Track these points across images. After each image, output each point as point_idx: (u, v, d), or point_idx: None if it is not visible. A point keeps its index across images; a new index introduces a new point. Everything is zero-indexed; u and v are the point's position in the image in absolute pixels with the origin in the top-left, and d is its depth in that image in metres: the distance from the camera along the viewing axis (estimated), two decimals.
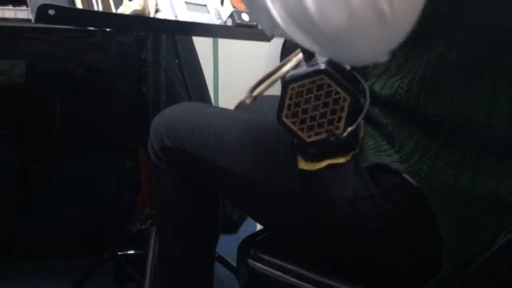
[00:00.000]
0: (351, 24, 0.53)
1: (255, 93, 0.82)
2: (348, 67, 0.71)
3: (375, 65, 0.71)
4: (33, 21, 0.99)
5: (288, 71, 0.80)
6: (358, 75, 0.71)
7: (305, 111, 0.72)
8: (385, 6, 0.52)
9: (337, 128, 0.70)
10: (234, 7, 1.23)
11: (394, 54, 0.67)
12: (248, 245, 0.83)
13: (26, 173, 1.64)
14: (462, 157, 0.64)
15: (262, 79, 0.83)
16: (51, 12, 0.98)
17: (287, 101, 0.72)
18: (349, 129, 0.69)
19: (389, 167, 0.67)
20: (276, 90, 0.77)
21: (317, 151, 0.73)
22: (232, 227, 1.82)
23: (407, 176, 0.66)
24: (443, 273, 0.67)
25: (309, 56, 0.72)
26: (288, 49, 2.20)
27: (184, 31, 1.36)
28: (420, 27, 0.62)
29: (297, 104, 0.72)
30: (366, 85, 0.70)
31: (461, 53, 0.61)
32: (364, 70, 0.73)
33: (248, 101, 0.81)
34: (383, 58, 0.60)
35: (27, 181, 1.63)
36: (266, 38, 1.32)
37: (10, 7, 1.28)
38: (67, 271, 1.52)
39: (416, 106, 0.65)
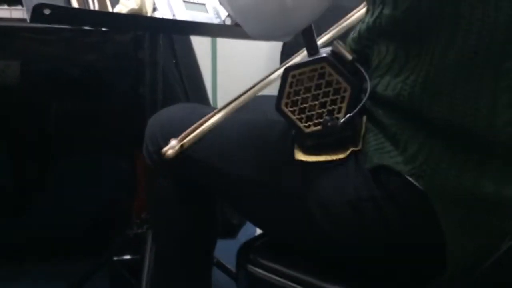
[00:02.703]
0: (256, 3, 0.67)
1: (185, 141, 0.76)
2: (349, 58, 0.71)
3: (377, 66, 0.71)
4: (28, 20, 0.99)
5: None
6: (361, 68, 0.71)
7: (304, 100, 0.72)
8: None
9: (337, 119, 0.70)
10: None
11: (395, 54, 0.67)
12: (248, 250, 0.83)
13: (21, 175, 1.63)
14: (465, 159, 0.64)
15: (194, 127, 0.78)
16: (47, 11, 0.97)
17: (287, 89, 0.72)
18: (348, 115, 0.68)
19: (392, 168, 0.66)
20: (276, 90, 0.75)
21: (315, 143, 0.72)
22: (231, 232, 1.81)
23: (410, 178, 0.65)
24: (446, 277, 0.67)
25: (312, 53, 0.71)
26: (288, 49, 2.19)
27: (182, 30, 1.36)
28: (419, 27, 0.62)
29: (297, 93, 0.72)
30: (368, 79, 0.70)
31: (460, 57, 0.62)
32: (366, 71, 0.72)
33: (170, 152, 0.75)
34: (286, 39, 0.76)
35: (22, 183, 1.63)
36: None
37: (5, 6, 1.29)
38: (62, 275, 1.52)
39: (419, 108, 0.64)
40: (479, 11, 0.60)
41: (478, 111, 0.62)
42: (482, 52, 0.61)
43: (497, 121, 0.62)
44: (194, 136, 0.77)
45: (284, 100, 0.72)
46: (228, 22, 1.22)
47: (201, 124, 0.78)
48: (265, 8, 0.67)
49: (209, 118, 0.79)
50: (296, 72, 0.71)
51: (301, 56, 0.82)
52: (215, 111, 0.80)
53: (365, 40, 0.71)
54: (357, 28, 0.73)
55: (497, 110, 0.62)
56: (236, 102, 0.80)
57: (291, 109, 0.72)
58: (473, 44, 0.61)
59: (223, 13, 1.23)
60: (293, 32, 0.73)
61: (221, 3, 0.74)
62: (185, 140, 0.75)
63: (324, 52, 0.71)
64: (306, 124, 0.72)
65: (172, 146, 0.74)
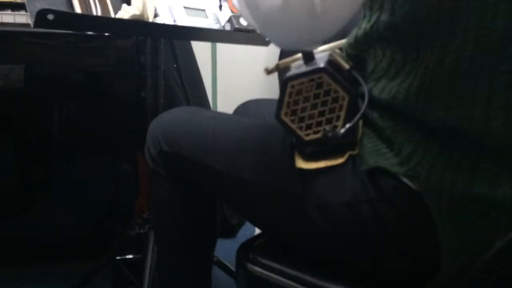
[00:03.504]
0: (284, 9, 0.61)
1: (280, 62, 0.84)
2: (346, 67, 0.72)
3: (373, 69, 0.71)
4: (32, 25, 0.98)
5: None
6: (358, 76, 0.72)
7: (304, 109, 0.72)
8: (317, 1, 0.59)
9: (335, 127, 0.70)
10: (232, 12, 1.24)
11: (392, 58, 0.68)
12: (247, 249, 0.83)
13: (24, 177, 1.64)
14: (459, 160, 0.64)
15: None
16: (50, 16, 0.97)
17: (286, 99, 0.72)
18: (347, 125, 0.69)
19: (387, 170, 0.67)
20: (275, 94, 0.77)
21: (314, 150, 0.73)
22: (231, 231, 1.82)
23: (405, 180, 0.66)
24: (441, 276, 0.68)
25: (308, 59, 0.72)
26: (286, 55, 2.20)
27: (183, 35, 1.37)
28: (416, 33, 0.63)
29: (296, 102, 0.72)
30: (366, 87, 0.70)
31: (457, 60, 0.62)
32: (363, 74, 0.74)
33: (269, 69, 0.84)
34: (312, 48, 0.70)
35: (25, 186, 1.63)
36: (264, 42, 1.33)
37: (9, 11, 1.29)
38: (65, 275, 1.52)
39: (414, 111, 0.65)
40: (476, 16, 0.60)
41: (472, 114, 0.63)
42: (478, 56, 0.61)
43: (491, 123, 0.63)
44: (288, 61, 0.83)
45: (283, 110, 0.73)
46: (228, 27, 1.23)
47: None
48: (293, 14, 0.61)
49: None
50: (295, 82, 0.71)
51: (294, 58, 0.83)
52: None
53: (361, 45, 0.72)
54: (353, 34, 0.73)
55: (492, 112, 0.63)
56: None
57: (291, 118, 0.73)
58: (470, 49, 0.61)
59: (223, 19, 1.25)
60: (322, 39, 0.68)
61: (240, 13, 0.68)
62: (280, 62, 0.84)
63: (320, 59, 0.72)
64: (306, 133, 0.72)
65: (270, 67, 0.85)
